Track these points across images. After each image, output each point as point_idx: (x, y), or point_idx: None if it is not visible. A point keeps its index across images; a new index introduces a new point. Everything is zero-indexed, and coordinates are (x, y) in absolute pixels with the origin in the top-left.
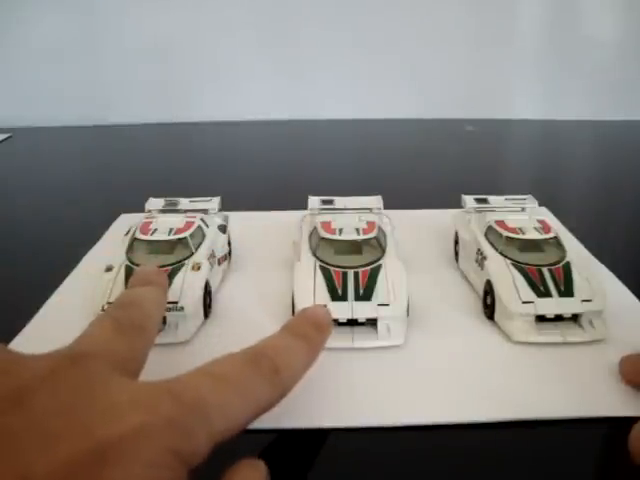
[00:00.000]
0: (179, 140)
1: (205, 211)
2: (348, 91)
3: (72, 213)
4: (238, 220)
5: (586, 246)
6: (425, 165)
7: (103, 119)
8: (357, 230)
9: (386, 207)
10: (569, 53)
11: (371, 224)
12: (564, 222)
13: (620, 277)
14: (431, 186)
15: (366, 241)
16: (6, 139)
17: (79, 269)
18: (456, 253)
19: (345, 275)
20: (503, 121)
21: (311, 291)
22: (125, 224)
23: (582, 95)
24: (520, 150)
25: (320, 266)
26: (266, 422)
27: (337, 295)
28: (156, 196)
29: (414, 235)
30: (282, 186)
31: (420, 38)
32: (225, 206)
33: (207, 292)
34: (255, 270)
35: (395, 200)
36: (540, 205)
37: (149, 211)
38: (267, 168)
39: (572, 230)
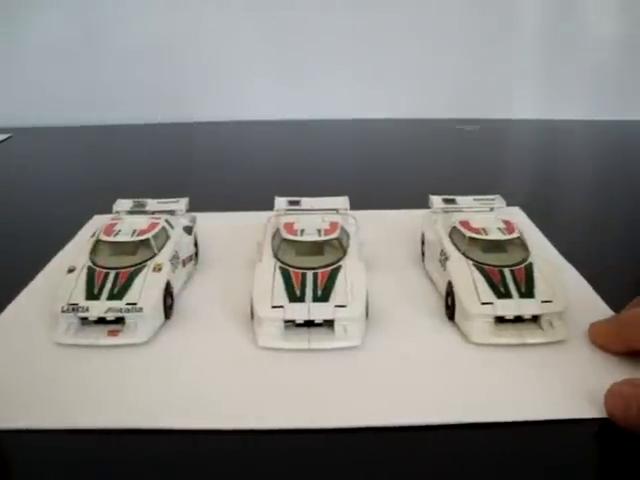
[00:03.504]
0: (179, 140)
1: (172, 212)
2: (348, 91)
3: (72, 213)
4: (210, 220)
5: (576, 248)
6: (424, 165)
7: (103, 119)
8: (319, 231)
9: (381, 207)
10: (568, 53)
11: (334, 225)
12: (559, 223)
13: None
14: (431, 187)
15: (328, 242)
16: (6, 139)
17: (47, 269)
18: (423, 254)
19: (304, 276)
20: (503, 121)
21: (269, 292)
22: (98, 225)
23: (581, 95)
24: (520, 150)
25: (280, 267)
26: (215, 423)
27: (295, 296)
28: (153, 197)
29: (386, 236)
30: (283, 186)
31: (420, 38)
32: (225, 206)
33: (168, 293)
34: (222, 271)
35: (395, 200)
36: (537, 205)
37: (117, 212)
38: (267, 168)
39: (568, 230)
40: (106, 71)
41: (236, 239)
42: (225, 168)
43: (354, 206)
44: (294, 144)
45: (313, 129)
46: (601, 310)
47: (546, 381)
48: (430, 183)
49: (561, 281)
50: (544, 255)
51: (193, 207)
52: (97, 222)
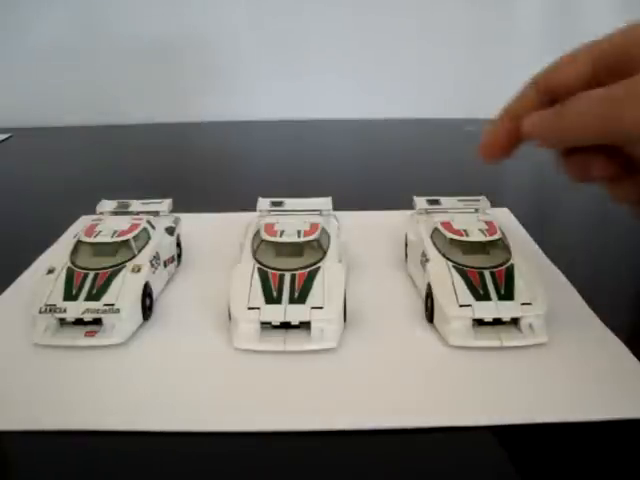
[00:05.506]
0: (179, 141)
1: (156, 213)
2: (348, 91)
3: (71, 213)
4: (197, 221)
5: (565, 251)
6: (423, 165)
7: (103, 119)
8: (298, 232)
9: (376, 208)
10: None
11: (314, 226)
12: (551, 224)
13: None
14: (426, 187)
15: (308, 243)
16: (6, 139)
17: (32, 269)
18: (407, 256)
19: (282, 277)
20: None
21: (246, 293)
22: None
23: None
24: (519, 150)
25: (258, 268)
26: (191, 425)
27: (272, 298)
28: (151, 197)
29: (372, 237)
30: (280, 186)
31: (420, 38)
32: (221, 206)
33: (147, 294)
34: (205, 272)
35: (391, 201)
36: (530, 206)
37: (100, 213)
38: (266, 168)
39: (559, 232)
40: (106, 71)
41: (221, 240)
42: (223, 168)
43: (349, 206)
44: (294, 144)
45: (313, 129)
46: (585, 314)
47: (524, 384)
48: (426, 183)
49: (543, 284)
50: (527, 257)
51: (187, 208)
52: (84, 222)
